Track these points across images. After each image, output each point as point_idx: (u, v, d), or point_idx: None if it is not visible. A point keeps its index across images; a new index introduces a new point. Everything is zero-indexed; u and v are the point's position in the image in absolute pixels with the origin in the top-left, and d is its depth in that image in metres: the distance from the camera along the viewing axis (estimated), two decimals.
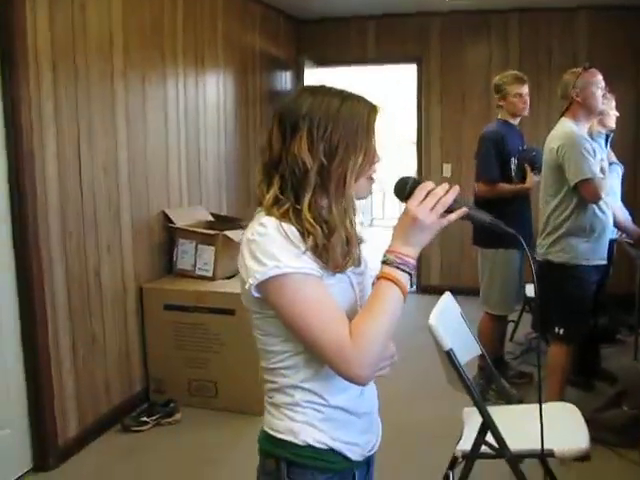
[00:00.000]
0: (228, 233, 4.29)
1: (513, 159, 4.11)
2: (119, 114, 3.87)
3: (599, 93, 3.56)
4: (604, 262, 3.58)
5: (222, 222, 4.67)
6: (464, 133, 6.52)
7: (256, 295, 1.37)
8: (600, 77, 3.56)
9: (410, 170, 7.55)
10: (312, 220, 1.37)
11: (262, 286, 1.35)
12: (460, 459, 2.58)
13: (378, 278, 1.38)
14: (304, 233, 1.36)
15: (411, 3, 6.06)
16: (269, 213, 1.38)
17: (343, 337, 1.31)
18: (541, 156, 3.92)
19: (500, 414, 2.66)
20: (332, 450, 1.47)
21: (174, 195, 4.51)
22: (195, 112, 4.75)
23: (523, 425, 2.80)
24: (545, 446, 2.44)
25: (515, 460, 2.49)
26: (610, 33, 6.00)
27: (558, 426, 2.66)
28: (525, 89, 4.13)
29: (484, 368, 4.17)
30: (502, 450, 2.46)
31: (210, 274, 4.29)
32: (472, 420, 2.75)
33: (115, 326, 3.91)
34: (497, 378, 4.01)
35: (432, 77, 6.54)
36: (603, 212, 3.51)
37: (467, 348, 2.87)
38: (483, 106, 6.41)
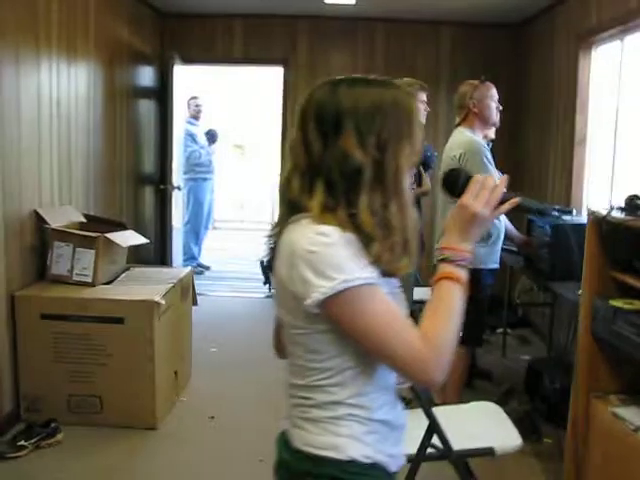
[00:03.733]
0: (109, 235, 3.99)
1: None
2: None
3: (494, 105, 3.73)
4: (497, 266, 3.76)
5: (96, 223, 4.33)
6: None
7: (316, 311, 1.27)
8: (495, 90, 3.74)
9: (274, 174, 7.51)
10: (372, 223, 1.28)
11: (327, 301, 1.24)
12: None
13: (439, 277, 1.33)
14: (364, 239, 1.27)
15: (279, 4, 6.00)
16: (324, 221, 1.27)
17: (418, 344, 1.25)
18: (433, 155, 4.06)
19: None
20: (375, 464, 1.39)
21: (46, 193, 4.10)
22: (67, 104, 4.35)
23: (456, 425, 2.86)
24: (485, 444, 2.56)
25: (460, 460, 2.53)
26: (470, 47, 6.36)
27: (490, 424, 2.75)
28: (424, 97, 4.22)
29: None
30: (447, 451, 2.49)
31: (89, 280, 3.94)
32: (410, 423, 2.75)
33: None
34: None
35: (299, 80, 6.54)
36: (498, 219, 3.68)
37: None
38: None
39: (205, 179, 7.90)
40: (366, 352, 1.31)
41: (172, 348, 4.09)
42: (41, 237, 4.00)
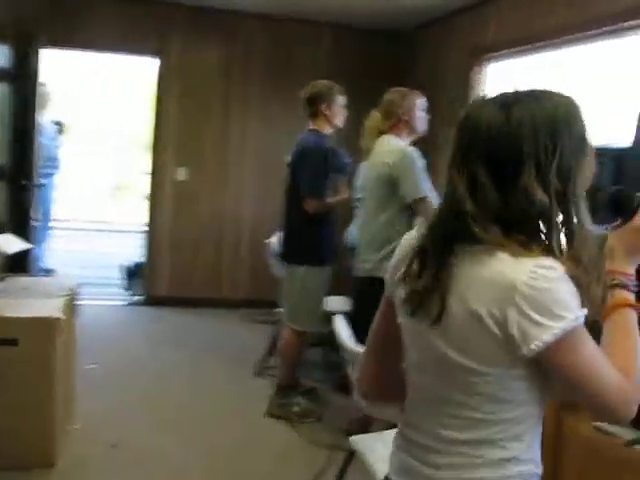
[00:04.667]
0: None
1: (332, 174, 4.01)
2: None
3: (423, 114, 3.68)
4: None
5: None
6: (204, 136, 6.26)
7: (532, 355, 1.11)
8: (424, 99, 3.69)
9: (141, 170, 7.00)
10: (576, 262, 1.15)
11: (554, 343, 1.10)
12: None
13: (620, 305, 1.24)
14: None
15: None
16: (527, 253, 1.12)
17: (620, 378, 1.16)
18: (349, 161, 3.97)
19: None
20: None
21: None
22: None
23: None
24: None
25: None
26: (353, 51, 6.32)
27: None
28: (344, 101, 4.07)
29: (287, 387, 4.02)
30: None
31: None
32: (372, 447, 2.58)
33: None
34: (317, 397, 3.99)
35: (173, 74, 6.12)
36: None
37: None
38: (223, 109, 6.26)
39: (50, 174, 7.17)
40: (567, 393, 1.23)
41: (65, 370, 3.59)
42: None
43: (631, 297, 1.25)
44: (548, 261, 1.11)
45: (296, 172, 3.96)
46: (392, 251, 3.42)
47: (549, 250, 1.13)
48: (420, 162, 3.49)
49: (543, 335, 1.09)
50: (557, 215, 1.14)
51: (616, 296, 1.24)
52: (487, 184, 1.13)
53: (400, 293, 1.28)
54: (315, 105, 3.99)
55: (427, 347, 1.23)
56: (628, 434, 2.32)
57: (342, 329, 2.67)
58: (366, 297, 3.64)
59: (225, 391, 4.46)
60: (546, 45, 4.25)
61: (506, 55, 4.70)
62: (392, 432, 2.64)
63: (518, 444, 1.21)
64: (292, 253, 4.03)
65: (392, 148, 3.55)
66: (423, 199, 3.43)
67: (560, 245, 1.15)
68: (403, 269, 1.27)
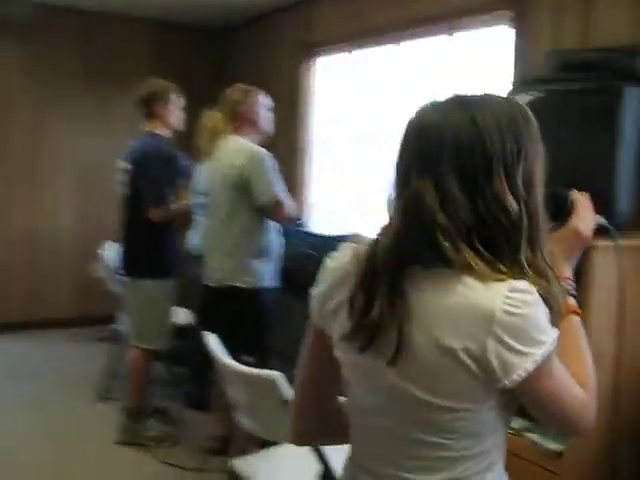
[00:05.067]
0: None
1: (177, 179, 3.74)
2: None
3: (268, 114, 3.56)
4: (278, 284, 3.55)
5: None
6: (11, 146, 5.69)
7: (511, 385, 1.03)
8: (268, 98, 3.57)
9: None
10: (540, 275, 1.07)
11: (534, 371, 1.03)
12: None
13: (567, 312, 1.19)
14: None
15: None
16: (497, 277, 1.02)
17: (581, 392, 1.13)
18: (187, 164, 3.79)
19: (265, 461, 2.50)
20: None
21: None
22: None
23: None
24: None
25: None
26: (175, 48, 6.07)
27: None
28: (182, 102, 3.83)
29: (137, 410, 3.72)
30: None
31: None
32: (259, 468, 2.43)
33: None
34: (171, 417, 3.72)
35: None
36: (277, 233, 3.51)
37: None
38: (31, 113, 5.74)
39: None
40: (536, 415, 1.14)
41: None
42: None
43: (573, 302, 1.21)
44: (521, 284, 1.03)
45: (136, 179, 3.65)
46: (248, 257, 3.35)
47: (518, 266, 1.05)
48: (271, 163, 3.34)
49: (525, 364, 1.01)
50: (525, 223, 1.06)
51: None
52: (457, 193, 1.03)
53: (340, 326, 1.13)
54: (150, 105, 3.71)
55: (384, 387, 1.10)
56: (516, 423, 2.37)
57: (215, 346, 2.48)
58: (218, 306, 3.48)
59: (62, 420, 4.05)
60: (375, 40, 4.32)
61: (335, 49, 4.72)
62: (274, 450, 2.55)
63: (490, 475, 1.13)
64: (135, 266, 3.72)
65: (239, 148, 3.37)
66: (277, 201, 3.30)
67: (528, 257, 1.06)
68: (340, 298, 1.13)
